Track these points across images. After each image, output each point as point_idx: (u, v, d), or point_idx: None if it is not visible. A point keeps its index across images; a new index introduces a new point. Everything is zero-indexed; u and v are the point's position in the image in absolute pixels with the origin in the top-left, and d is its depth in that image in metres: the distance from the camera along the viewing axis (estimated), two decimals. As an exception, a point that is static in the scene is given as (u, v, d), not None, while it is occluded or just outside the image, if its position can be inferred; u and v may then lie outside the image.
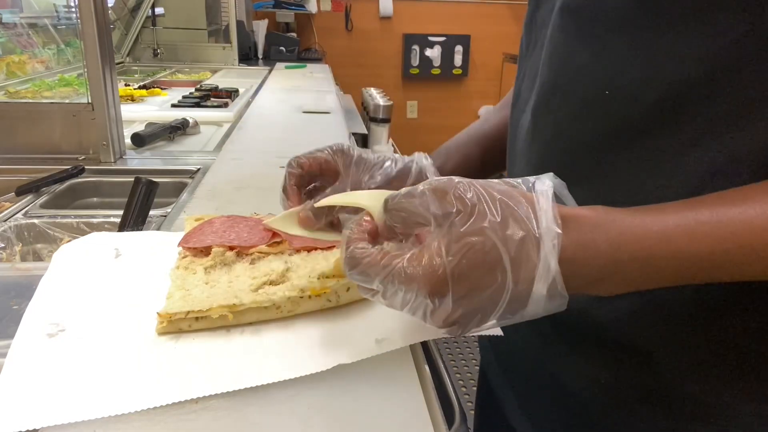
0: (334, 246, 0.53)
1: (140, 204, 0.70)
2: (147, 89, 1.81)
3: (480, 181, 0.35)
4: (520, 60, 0.55)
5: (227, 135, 1.31)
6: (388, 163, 0.55)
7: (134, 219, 0.69)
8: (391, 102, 2.81)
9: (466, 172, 0.65)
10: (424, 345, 0.47)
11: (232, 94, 1.76)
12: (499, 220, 0.33)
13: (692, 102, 0.38)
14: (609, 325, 0.44)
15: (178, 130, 1.29)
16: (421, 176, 0.56)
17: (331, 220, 0.55)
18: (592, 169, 0.43)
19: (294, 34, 3.51)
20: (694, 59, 0.37)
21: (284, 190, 0.54)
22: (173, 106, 1.61)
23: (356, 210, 0.62)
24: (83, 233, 0.79)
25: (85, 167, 1.00)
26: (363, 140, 2.35)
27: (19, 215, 0.83)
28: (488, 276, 0.32)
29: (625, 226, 0.33)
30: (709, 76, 0.37)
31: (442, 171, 0.61)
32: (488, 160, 0.66)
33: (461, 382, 1.95)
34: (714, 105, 0.37)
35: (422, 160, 0.58)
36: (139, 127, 1.26)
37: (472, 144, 0.67)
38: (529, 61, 0.51)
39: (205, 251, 0.52)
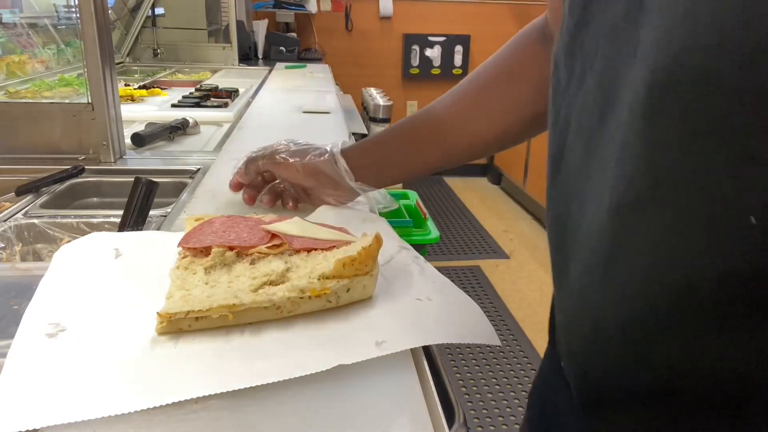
0: (334, 246, 0.53)
1: (140, 204, 0.70)
2: (147, 89, 1.81)
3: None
4: (555, 94, 0.40)
5: (227, 135, 1.31)
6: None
7: (134, 219, 0.69)
8: (391, 102, 2.81)
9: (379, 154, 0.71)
10: (425, 345, 0.47)
11: (232, 94, 1.76)
12: None
13: None
14: None
15: (178, 130, 1.29)
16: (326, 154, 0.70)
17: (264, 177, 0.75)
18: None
19: (294, 34, 3.51)
20: None
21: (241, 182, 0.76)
22: (173, 106, 1.61)
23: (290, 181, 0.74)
24: (83, 233, 0.79)
25: (85, 167, 1.00)
26: (363, 140, 2.35)
27: (19, 215, 0.83)
28: None
29: None
30: None
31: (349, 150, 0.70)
32: (406, 148, 0.69)
33: (461, 382, 1.95)
34: None
35: (337, 144, 0.70)
36: (139, 127, 1.26)
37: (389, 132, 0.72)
38: (574, 99, 0.37)
39: (205, 251, 0.52)
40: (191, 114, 1.38)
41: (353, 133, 1.41)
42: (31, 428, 0.35)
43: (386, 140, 0.71)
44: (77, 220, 0.82)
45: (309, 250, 0.53)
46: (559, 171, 0.39)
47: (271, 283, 0.48)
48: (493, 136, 0.66)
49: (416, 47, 3.91)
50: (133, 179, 0.72)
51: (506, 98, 0.64)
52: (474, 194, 3.87)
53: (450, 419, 0.42)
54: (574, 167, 0.37)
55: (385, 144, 0.71)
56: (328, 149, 0.70)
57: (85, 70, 1.02)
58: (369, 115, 2.83)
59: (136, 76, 2.33)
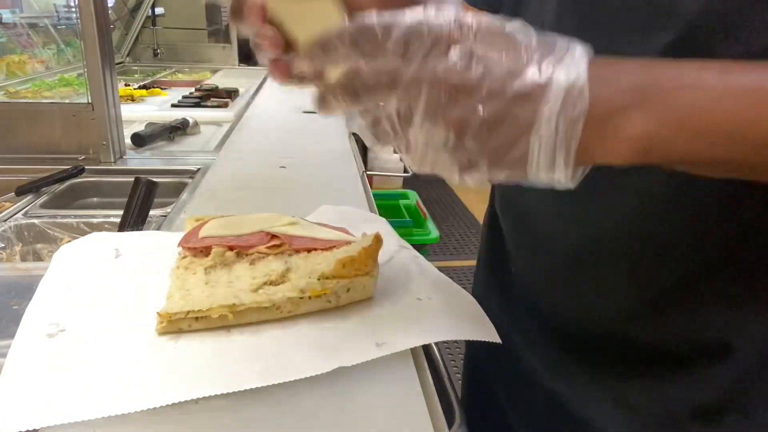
0: (334, 246, 0.53)
1: (140, 204, 0.70)
2: (147, 89, 1.81)
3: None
4: None
5: (227, 135, 1.31)
6: None
7: (134, 219, 0.69)
8: (391, 102, 2.80)
9: None
10: (425, 345, 0.47)
11: (232, 94, 1.76)
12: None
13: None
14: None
15: (178, 130, 1.29)
16: None
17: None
18: None
19: (294, 34, 3.51)
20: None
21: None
22: (173, 106, 1.61)
23: None
24: (83, 233, 0.79)
25: (85, 167, 1.00)
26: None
27: (19, 215, 0.83)
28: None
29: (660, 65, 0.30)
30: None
31: None
32: None
33: (461, 382, 1.95)
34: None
35: None
36: (139, 127, 1.26)
37: None
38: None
39: (205, 251, 0.52)
40: (191, 114, 1.38)
41: (353, 133, 1.41)
42: (31, 428, 0.35)
43: None
44: (77, 220, 0.82)
45: (309, 250, 0.53)
46: None
47: (271, 283, 0.48)
48: None
49: (416, 47, 3.91)
50: (133, 179, 0.72)
51: None
52: (474, 194, 3.87)
53: (450, 419, 0.42)
54: None
55: None
56: None
57: (85, 70, 1.02)
58: (369, 115, 2.83)
59: (136, 76, 2.33)
